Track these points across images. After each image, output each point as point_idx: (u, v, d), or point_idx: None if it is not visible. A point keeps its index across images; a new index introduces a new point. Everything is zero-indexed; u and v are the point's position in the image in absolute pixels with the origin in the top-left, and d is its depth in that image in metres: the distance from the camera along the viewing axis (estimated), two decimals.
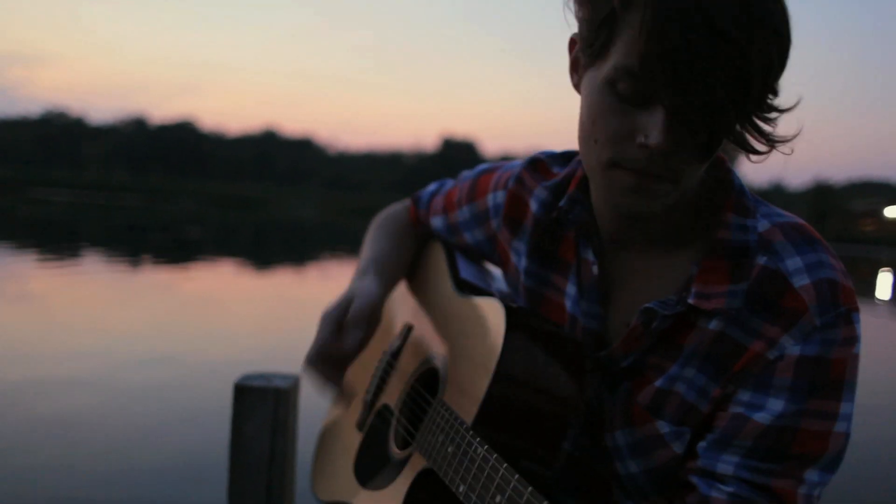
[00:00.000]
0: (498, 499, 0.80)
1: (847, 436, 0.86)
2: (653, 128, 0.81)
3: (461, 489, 0.87)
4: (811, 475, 0.84)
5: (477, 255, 1.25)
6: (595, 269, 0.99)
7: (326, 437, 1.38)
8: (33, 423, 4.65)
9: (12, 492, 3.68)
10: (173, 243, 20.34)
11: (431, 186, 1.34)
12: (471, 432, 0.88)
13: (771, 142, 0.85)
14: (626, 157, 0.84)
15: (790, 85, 0.84)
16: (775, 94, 0.83)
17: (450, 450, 0.91)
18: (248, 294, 11.88)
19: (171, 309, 9.46)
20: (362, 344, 1.10)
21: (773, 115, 0.83)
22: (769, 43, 0.78)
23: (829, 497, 0.98)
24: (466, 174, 1.26)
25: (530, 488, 0.76)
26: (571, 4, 0.89)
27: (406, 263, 1.32)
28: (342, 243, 23.76)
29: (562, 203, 1.01)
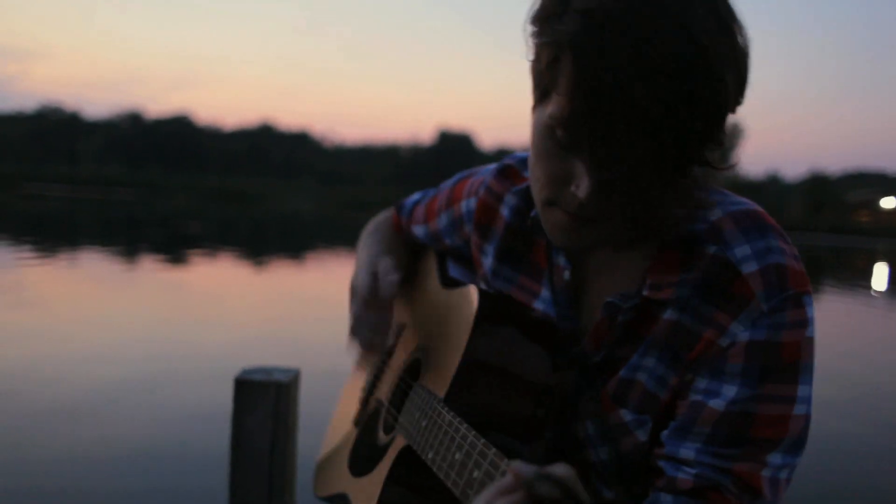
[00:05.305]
0: (457, 455, 0.83)
1: (807, 417, 0.87)
2: (580, 178, 0.84)
3: (430, 456, 0.90)
4: (774, 458, 0.86)
5: (461, 259, 1.29)
6: (567, 275, 1.01)
7: (329, 439, 1.41)
8: (34, 415, 4.67)
9: (19, 483, 3.71)
10: (172, 238, 20.30)
11: (415, 196, 1.38)
12: (441, 403, 0.92)
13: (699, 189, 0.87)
14: (561, 200, 0.88)
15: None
16: (701, 153, 0.82)
17: (424, 423, 0.94)
18: (247, 288, 11.89)
19: (170, 303, 9.46)
20: (397, 286, 1.14)
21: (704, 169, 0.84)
22: (692, 114, 0.78)
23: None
24: (446, 183, 1.30)
25: (483, 440, 0.78)
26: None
27: (401, 261, 1.35)
28: (340, 237, 23.74)
29: (533, 213, 1.02)
